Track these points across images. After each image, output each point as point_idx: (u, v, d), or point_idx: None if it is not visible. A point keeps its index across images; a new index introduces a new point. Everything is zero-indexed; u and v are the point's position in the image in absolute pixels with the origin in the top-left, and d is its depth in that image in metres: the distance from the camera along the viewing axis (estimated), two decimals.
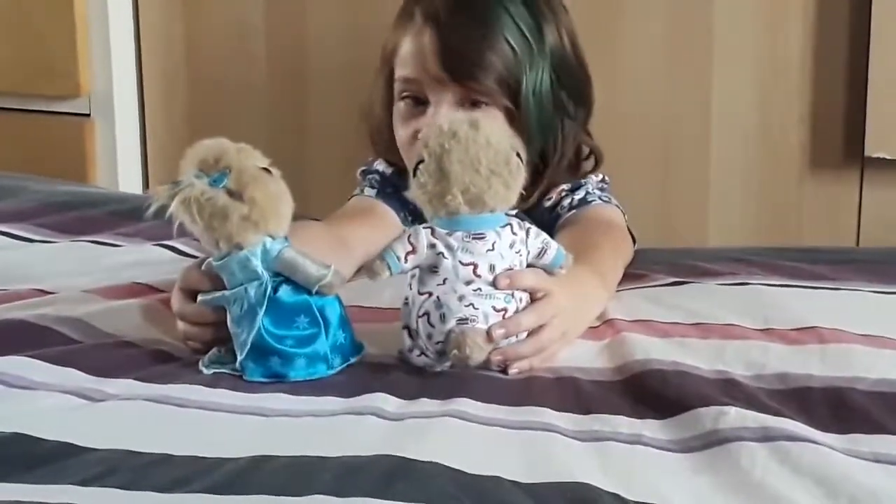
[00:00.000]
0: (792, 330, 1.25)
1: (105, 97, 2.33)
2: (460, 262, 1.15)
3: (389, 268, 1.15)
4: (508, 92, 1.45)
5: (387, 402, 1.08)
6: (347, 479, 0.91)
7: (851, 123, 1.92)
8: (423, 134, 1.22)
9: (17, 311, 1.32)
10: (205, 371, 1.16)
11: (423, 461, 0.95)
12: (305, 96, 2.26)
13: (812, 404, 1.08)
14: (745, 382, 1.13)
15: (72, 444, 0.98)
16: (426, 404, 1.08)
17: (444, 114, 1.42)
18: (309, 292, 1.16)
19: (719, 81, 1.98)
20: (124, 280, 1.43)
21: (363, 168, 1.63)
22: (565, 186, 1.53)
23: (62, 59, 2.31)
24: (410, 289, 1.17)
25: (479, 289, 1.15)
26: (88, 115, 2.35)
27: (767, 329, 1.26)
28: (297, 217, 1.19)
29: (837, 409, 1.07)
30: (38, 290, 1.41)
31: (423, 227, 1.17)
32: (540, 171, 1.51)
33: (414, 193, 1.18)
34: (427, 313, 1.15)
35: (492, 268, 1.15)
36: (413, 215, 1.51)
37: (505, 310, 1.15)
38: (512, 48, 1.45)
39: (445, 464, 0.94)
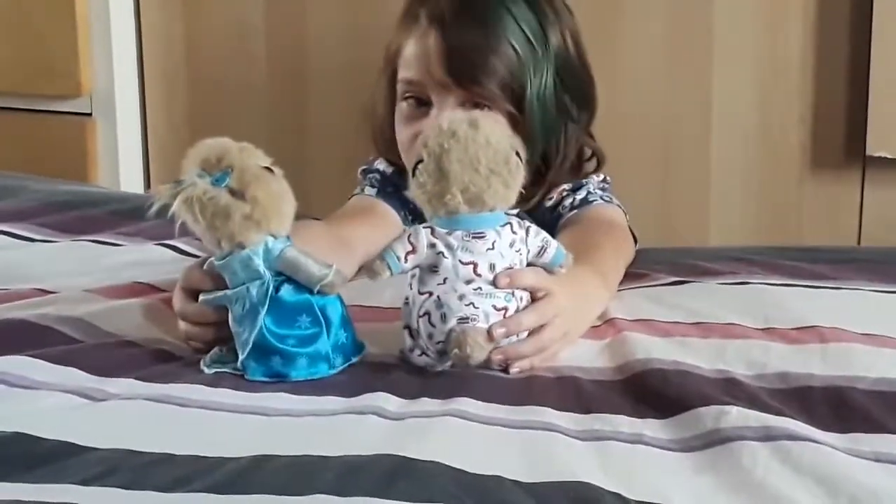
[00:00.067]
0: (793, 329, 1.25)
1: (106, 97, 2.33)
2: (460, 261, 1.15)
3: (390, 268, 1.15)
4: (512, 96, 1.45)
5: (388, 401, 1.08)
6: (349, 479, 0.91)
7: (852, 123, 1.92)
8: (422, 134, 1.22)
9: (18, 310, 1.32)
10: (206, 370, 1.16)
11: (424, 461, 0.95)
12: (305, 96, 2.26)
13: (813, 403, 1.08)
14: (746, 382, 1.13)
15: (73, 443, 0.98)
16: (427, 404, 1.08)
17: (446, 116, 1.42)
18: (311, 292, 1.16)
19: (719, 81, 1.98)
20: (125, 279, 1.43)
21: (363, 167, 1.63)
22: (566, 186, 1.54)
23: (63, 59, 2.32)
24: (411, 288, 1.17)
25: (480, 288, 1.15)
26: (90, 114, 2.35)
27: (768, 328, 1.26)
28: (297, 216, 1.19)
29: (838, 408, 1.07)
30: (40, 289, 1.41)
31: (423, 227, 1.17)
32: (542, 173, 1.51)
33: (413, 193, 1.18)
34: (428, 313, 1.15)
35: (492, 267, 1.15)
36: (413, 214, 1.51)
37: (505, 309, 1.16)
38: (516, 52, 1.45)
39: (447, 463, 0.94)
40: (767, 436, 0.99)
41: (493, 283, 1.15)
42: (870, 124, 1.88)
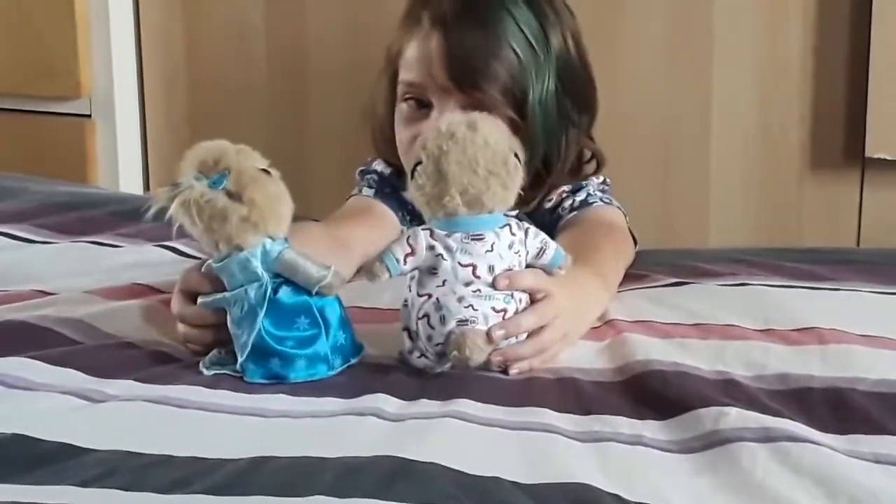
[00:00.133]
0: (792, 330, 1.25)
1: (105, 98, 2.33)
2: (459, 263, 1.15)
3: (388, 270, 1.15)
4: (514, 101, 1.45)
5: (387, 402, 1.08)
6: (348, 480, 0.91)
7: (852, 124, 1.92)
8: (421, 136, 1.22)
9: (17, 312, 1.32)
10: (205, 372, 1.16)
11: (423, 462, 0.95)
12: (305, 96, 2.26)
13: (812, 405, 1.08)
14: (746, 383, 1.13)
15: (72, 444, 0.98)
16: (426, 405, 1.08)
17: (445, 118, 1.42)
18: (309, 293, 1.16)
19: (719, 81, 1.98)
20: (125, 281, 1.43)
21: (361, 168, 1.63)
22: (566, 188, 1.53)
23: (62, 60, 2.32)
24: (410, 290, 1.17)
25: (479, 290, 1.15)
26: (89, 115, 2.35)
27: (768, 330, 1.26)
28: (296, 218, 1.19)
29: (838, 409, 1.07)
30: (39, 290, 1.41)
31: (422, 229, 1.17)
32: (542, 176, 1.51)
33: (412, 195, 1.18)
34: (427, 315, 1.15)
35: (491, 269, 1.15)
36: (411, 215, 1.51)
37: (504, 310, 1.15)
38: (518, 57, 1.45)
39: (446, 464, 0.94)
40: (767, 437, 0.99)
41: (493, 285, 1.15)
42: (869, 126, 1.88)
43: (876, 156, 1.89)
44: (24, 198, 1.82)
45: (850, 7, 1.90)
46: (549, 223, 1.49)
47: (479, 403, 1.08)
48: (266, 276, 1.15)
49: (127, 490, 0.90)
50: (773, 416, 1.03)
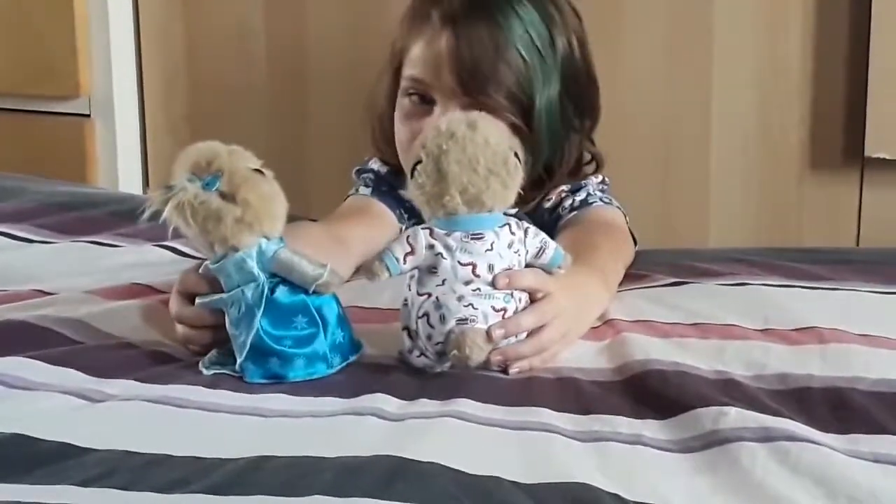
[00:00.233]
0: (792, 330, 1.25)
1: (105, 97, 2.33)
2: (459, 262, 1.15)
3: (388, 269, 1.15)
4: (520, 107, 1.45)
5: (387, 402, 1.08)
6: (347, 480, 0.91)
7: (851, 124, 1.92)
8: (420, 135, 1.22)
9: (17, 311, 1.32)
10: (205, 372, 1.16)
11: (423, 461, 0.94)
12: (305, 97, 2.26)
13: (812, 404, 1.08)
14: (745, 383, 1.13)
15: (71, 444, 0.98)
16: (426, 405, 1.08)
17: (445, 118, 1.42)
18: (306, 292, 1.16)
19: (719, 81, 1.98)
20: (124, 281, 1.43)
21: (357, 168, 1.63)
22: (565, 188, 1.53)
23: (62, 60, 2.32)
24: (409, 290, 1.17)
25: (479, 289, 1.15)
26: (88, 115, 2.35)
27: (767, 329, 1.26)
28: (296, 217, 1.19)
29: (837, 409, 1.07)
30: (39, 290, 1.41)
31: (422, 228, 1.17)
32: (543, 178, 1.51)
33: (412, 194, 1.17)
34: (426, 314, 1.15)
35: (490, 268, 1.15)
36: (409, 213, 1.51)
37: (504, 310, 1.15)
38: (526, 63, 1.44)
39: (445, 464, 0.94)
40: (766, 437, 0.99)
41: (492, 284, 1.15)
42: (868, 126, 1.88)
43: (875, 155, 1.89)
44: (24, 197, 1.82)
45: (849, 7, 1.90)
46: (549, 223, 1.49)
47: (479, 403, 1.08)
48: (262, 276, 1.15)
49: (127, 490, 0.90)
50: (773, 415, 1.03)
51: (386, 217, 1.54)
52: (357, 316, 1.24)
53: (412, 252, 1.16)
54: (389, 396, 1.09)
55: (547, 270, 1.21)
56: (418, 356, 1.17)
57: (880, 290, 1.39)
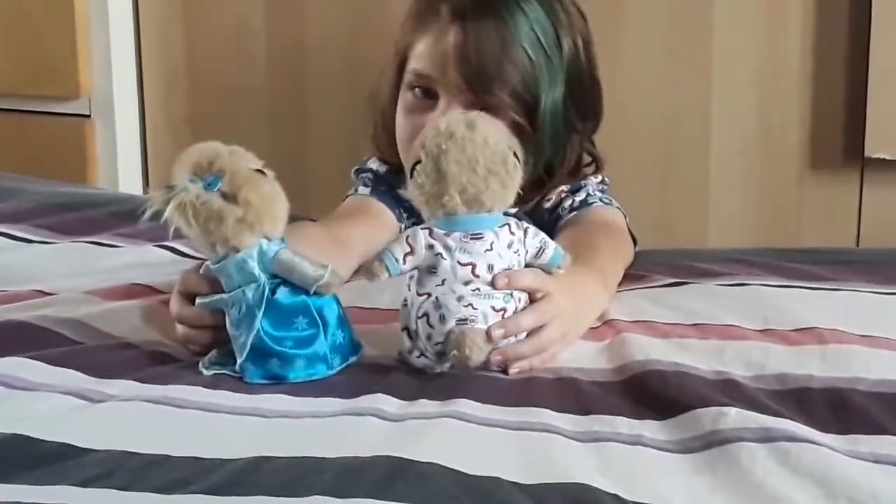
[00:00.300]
0: (792, 331, 1.25)
1: (105, 98, 2.34)
2: (458, 262, 1.15)
3: (388, 269, 1.15)
4: (524, 107, 1.45)
5: (387, 403, 1.08)
6: (347, 480, 0.91)
7: (851, 124, 1.92)
8: (420, 135, 1.22)
9: (17, 312, 1.32)
10: (205, 372, 1.15)
11: (423, 462, 0.94)
12: (305, 97, 2.26)
13: (812, 405, 1.08)
14: (745, 383, 1.13)
15: (71, 445, 0.98)
16: (426, 405, 1.08)
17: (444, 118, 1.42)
18: (307, 293, 1.16)
19: (719, 82, 1.99)
20: (124, 281, 1.43)
21: (356, 168, 1.63)
22: (565, 188, 1.53)
23: (62, 60, 2.32)
24: (409, 290, 1.17)
25: (478, 289, 1.15)
26: (88, 115, 2.36)
27: (767, 330, 1.26)
28: (296, 217, 1.19)
29: (837, 409, 1.07)
30: (38, 291, 1.41)
31: (421, 228, 1.17)
32: (543, 179, 1.51)
33: (411, 194, 1.18)
34: (426, 314, 1.15)
35: (490, 268, 1.15)
36: (408, 212, 1.51)
37: (504, 310, 1.15)
38: (532, 63, 1.44)
39: (445, 464, 0.94)
40: (766, 437, 0.99)
41: (492, 284, 1.15)
42: (868, 126, 1.88)
43: (875, 156, 1.89)
44: (24, 198, 1.82)
45: (849, 7, 1.90)
46: (549, 223, 1.49)
47: (479, 403, 1.08)
48: (263, 277, 1.14)
49: (126, 490, 0.90)
50: (773, 416, 1.03)
51: (385, 217, 1.54)
52: (357, 316, 1.24)
53: (412, 252, 1.16)
54: (389, 397, 1.09)
55: (546, 270, 1.21)
56: (418, 356, 1.17)
57: (880, 290, 1.39)
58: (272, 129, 2.27)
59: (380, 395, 1.09)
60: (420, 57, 1.48)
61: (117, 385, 1.12)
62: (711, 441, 1.00)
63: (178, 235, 1.17)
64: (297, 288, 1.15)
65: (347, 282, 1.30)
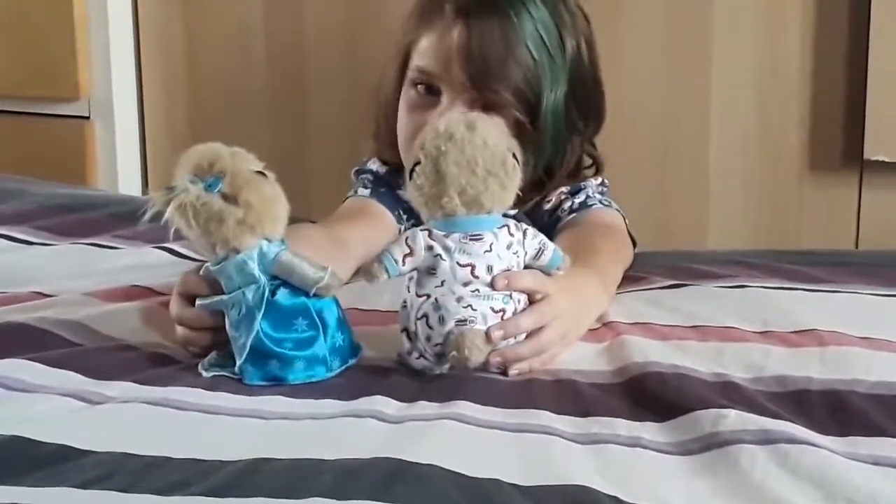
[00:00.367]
0: (791, 333, 1.25)
1: (104, 99, 2.34)
2: (458, 263, 1.15)
3: (387, 270, 1.15)
4: (526, 105, 1.45)
5: (386, 405, 1.08)
6: (347, 482, 0.91)
7: (850, 126, 1.92)
8: (419, 136, 1.22)
9: (16, 314, 1.32)
10: (204, 374, 1.16)
11: (422, 464, 0.94)
12: (305, 97, 2.26)
13: (811, 407, 1.08)
14: (745, 385, 1.13)
15: (71, 446, 0.98)
16: (425, 407, 1.08)
17: (455, 113, 1.42)
18: (307, 294, 1.16)
19: (719, 82, 1.99)
20: (124, 283, 1.43)
21: (356, 168, 1.63)
22: (565, 189, 1.54)
23: (62, 62, 2.32)
24: (408, 291, 1.17)
25: (477, 290, 1.15)
26: (88, 117, 2.36)
27: (766, 332, 1.26)
28: (295, 219, 1.19)
29: (836, 411, 1.07)
30: (38, 292, 1.41)
31: (421, 230, 1.17)
32: (543, 180, 1.51)
33: (411, 195, 1.18)
34: (425, 315, 1.15)
35: (489, 269, 1.15)
36: (408, 213, 1.52)
37: (503, 311, 1.15)
38: (535, 62, 1.45)
39: (445, 466, 0.94)
40: (765, 439, 0.99)
41: (491, 285, 1.15)
42: (867, 128, 1.88)
43: (874, 158, 1.89)
44: (24, 199, 1.83)
45: (848, 9, 1.90)
46: (548, 225, 1.49)
47: (478, 405, 1.08)
48: (263, 279, 1.15)
49: (126, 492, 0.90)
50: (772, 418, 1.03)
51: (385, 218, 1.54)
52: (356, 318, 1.24)
53: (411, 253, 1.16)
54: (389, 399, 1.09)
55: (546, 272, 1.21)
56: (417, 358, 1.17)
57: (879, 292, 1.39)
58: (272, 129, 2.27)
59: (379, 396, 1.09)
60: (423, 54, 1.48)
61: (117, 387, 1.12)
62: (711, 443, 1.00)
63: (179, 237, 1.17)
64: (297, 289, 1.15)
65: (347, 283, 1.30)
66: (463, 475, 0.93)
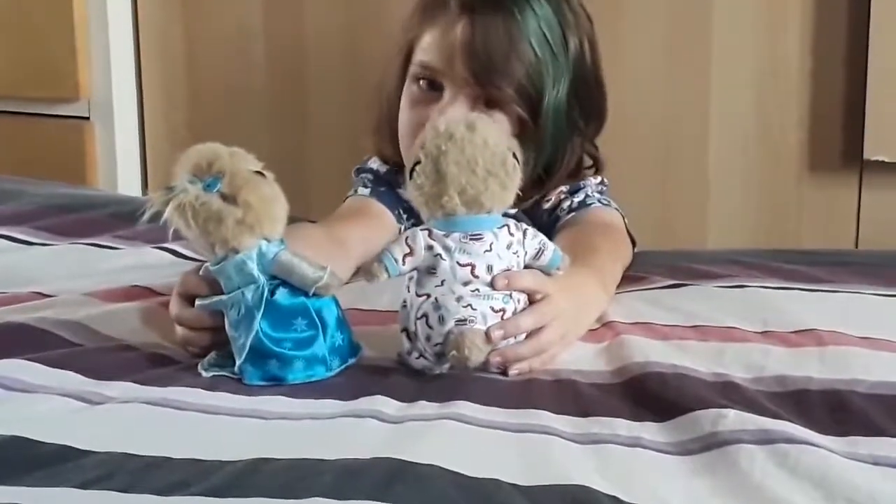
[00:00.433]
0: (791, 332, 1.25)
1: (104, 100, 2.34)
2: (458, 263, 1.15)
3: (387, 270, 1.15)
4: (528, 102, 1.45)
5: (386, 404, 1.08)
6: (347, 482, 0.91)
7: (850, 126, 1.92)
8: (419, 136, 1.22)
9: (16, 314, 1.32)
10: (204, 374, 1.15)
11: (422, 464, 0.94)
12: (305, 97, 2.26)
13: (811, 407, 1.08)
14: (744, 385, 1.13)
15: (71, 447, 0.98)
16: (425, 407, 1.08)
17: (457, 109, 1.42)
18: (306, 294, 1.16)
19: (719, 82, 1.99)
20: (124, 283, 1.43)
21: (357, 167, 1.63)
22: (564, 188, 1.54)
23: (61, 62, 2.32)
24: (408, 291, 1.17)
25: (477, 290, 1.15)
26: (88, 118, 2.36)
27: (766, 332, 1.26)
28: (296, 218, 1.19)
29: (836, 411, 1.07)
30: (38, 293, 1.41)
31: (421, 229, 1.17)
32: (542, 178, 1.51)
33: (411, 195, 1.18)
34: (425, 315, 1.15)
35: (489, 268, 1.15)
36: (408, 212, 1.51)
37: (503, 310, 1.15)
38: (538, 58, 1.45)
39: (445, 466, 0.94)
40: (765, 439, 0.99)
41: (491, 285, 1.15)
42: (867, 128, 1.88)
43: (874, 158, 1.89)
44: (23, 200, 1.83)
45: (848, 9, 1.90)
46: (548, 224, 1.49)
47: (478, 405, 1.08)
48: (262, 278, 1.14)
49: (126, 492, 0.90)
50: (772, 418, 1.03)
51: (385, 217, 1.54)
52: (356, 318, 1.24)
53: (411, 253, 1.16)
54: (388, 399, 1.09)
55: (545, 272, 1.21)
56: (417, 358, 1.17)
57: (879, 292, 1.39)
58: (272, 129, 2.28)
59: (379, 396, 1.09)
60: (427, 49, 1.48)
61: (117, 387, 1.12)
62: (710, 443, 1.00)
63: (178, 237, 1.17)
64: (297, 289, 1.15)
65: (346, 283, 1.30)
66: (463, 475, 0.93)
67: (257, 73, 2.29)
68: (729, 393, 1.10)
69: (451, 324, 1.14)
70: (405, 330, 1.18)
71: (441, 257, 1.15)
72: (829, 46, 1.92)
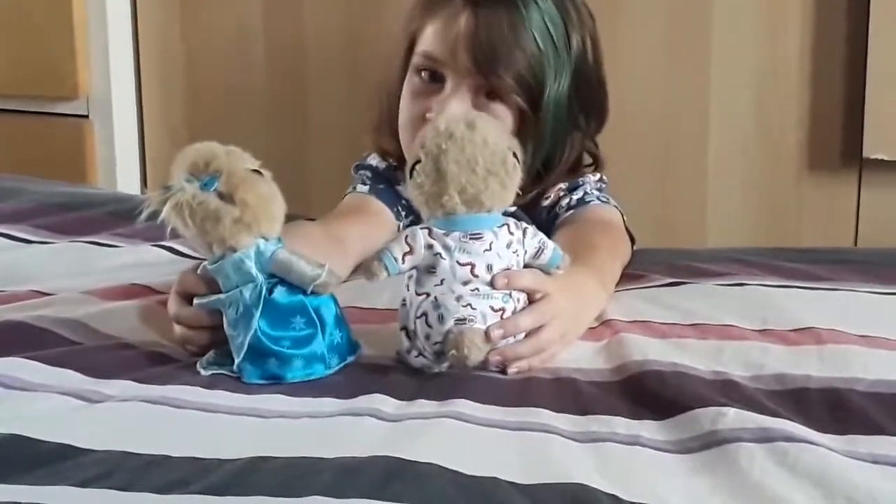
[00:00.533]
0: (790, 331, 1.25)
1: (103, 99, 2.34)
2: (458, 262, 1.15)
3: (387, 269, 1.15)
4: (529, 95, 1.45)
5: (385, 403, 1.08)
6: (345, 480, 0.91)
7: (849, 124, 1.92)
8: (419, 135, 1.22)
9: (15, 312, 1.32)
10: (203, 373, 1.15)
11: (421, 462, 0.94)
12: (305, 97, 2.26)
13: (810, 405, 1.08)
14: (744, 383, 1.13)
15: (70, 445, 0.98)
16: (424, 405, 1.08)
17: (459, 99, 1.42)
18: (304, 292, 1.16)
19: (718, 82, 1.99)
20: (123, 281, 1.43)
21: (356, 163, 1.63)
22: (563, 186, 1.54)
23: (61, 61, 2.32)
24: (408, 290, 1.17)
25: (477, 289, 1.15)
26: (87, 116, 2.36)
27: (765, 330, 1.26)
28: (295, 217, 1.19)
29: (835, 409, 1.07)
30: (37, 291, 1.41)
31: (421, 228, 1.17)
32: (541, 175, 1.51)
33: (411, 194, 1.18)
34: (425, 314, 1.15)
35: (489, 268, 1.15)
36: (406, 210, 1.51)
37: (503, 310, 1.15)
38: (540, 51, 1.45)
39: (443, 465, 0.94)
40: (764, 437, 0.99)
41: (491, 284, 1.15)
42: (867, 126, 1.88)
43: (873, 156, 1.89)
44: (23, 198, 1.82)
45: (847, 8, 1.90)
46: (547, 221, 1.49)
47: (477, 404, 1.08)
48: (260, 277, 1.14)
49: (125, 490, 0.90)
50: (771, 416, 1.03)
51: (383, 215, 1.54)
52: (355, 316, 1.24)
53: (411, 252, 1.16)
54: (387, 397, 1.09)
55: (545, 271, 1.21)
56: (416, 356, 1.17)
57: (878, 290, 1.39)
58: (272, 129, 2.27)
59: (378, 395, 1.09)
60: (429, 40, 1.48)
61: (116, 385, 1.12)
62: (710, 441, 1.00)
63: (176, 235, 1.17)
64: (295, 288, 1.15)
65: (345, 281, 1.30)
66: (462, 473, 0.93)
67: (257, 72, 2.29)
68: (728, 391, 1.10)
69: (450, 323, 1.14)
70: (404, 328, 1.18)
71: (441, 256, 1.15)
72: (828, 46, 1.92)
